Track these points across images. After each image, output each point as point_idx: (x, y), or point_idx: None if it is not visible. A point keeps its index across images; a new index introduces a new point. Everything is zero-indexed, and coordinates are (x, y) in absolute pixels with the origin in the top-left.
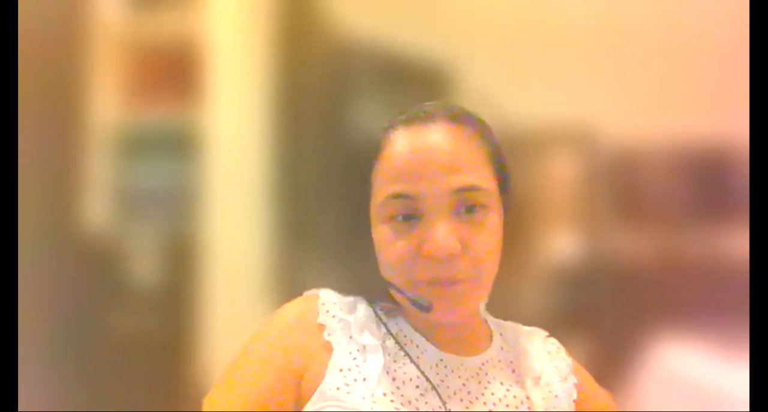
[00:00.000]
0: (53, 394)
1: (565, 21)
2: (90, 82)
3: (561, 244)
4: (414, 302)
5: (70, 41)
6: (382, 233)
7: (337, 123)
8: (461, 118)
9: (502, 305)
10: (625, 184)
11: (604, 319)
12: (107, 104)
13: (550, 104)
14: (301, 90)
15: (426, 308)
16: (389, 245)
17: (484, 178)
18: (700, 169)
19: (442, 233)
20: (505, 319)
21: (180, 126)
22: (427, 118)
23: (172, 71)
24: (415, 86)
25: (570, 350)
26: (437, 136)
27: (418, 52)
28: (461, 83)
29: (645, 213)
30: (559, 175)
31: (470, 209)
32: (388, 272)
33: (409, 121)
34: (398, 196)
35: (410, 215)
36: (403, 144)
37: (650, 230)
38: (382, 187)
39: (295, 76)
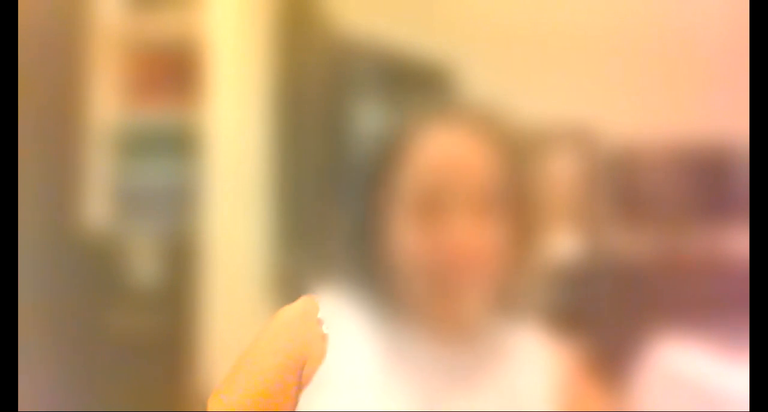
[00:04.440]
0: (53, 394)
1: (565, 21)
2: (90, 82)
3: (560, 243)
4: (416, 300)
5: (70, 41)
6: (398, 230)
7: (336, 123)
8: (483, 122)
9: (502, 305)
10: (625, 184)
11: (604, 318)
12: (107, 104)
13: (550, 104)
14: (301, 90)
15: (428, 306)
16: (406, 241)
17: (503, 181)
18: (700, 170)
19: (465, 234)
20: (504, 318)
21: (180, 125)
22: (453, 120)
23: (172, 71)
24: (415, 86)
25: (570, 350)
26: (466, 139)
27: (417, 51)
28: (461, 83)
29: (645, 213)
30: (558, 175)
31: (489, 209)
32: (401, 267)
33: (435, 122)
34: (422, 195)
35: (431, 213)
36: (429, 144)
37: (650, 229)
38: (405, 186)
39: (295, 75)
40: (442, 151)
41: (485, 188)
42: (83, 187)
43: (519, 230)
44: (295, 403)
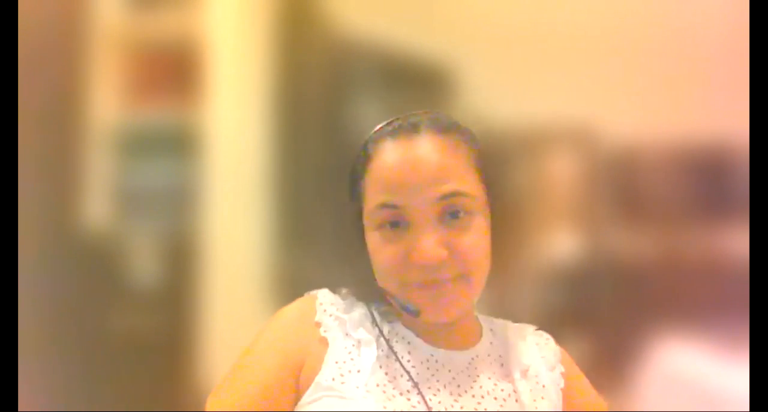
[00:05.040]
0: (53, 394)
1: (565, 21)
2: (90, 82)
3: (561, 243)
4: (403, 308)
5: (70, 41)
6: (373, 239)
7: (336, 123)
8: (445, 127)
9: (503, 305)
10: (626, 184)
11: (604, 318)
12: (107, 104)
13: (551, 104)
14: (301, 90)
15: (414, 313)
16: (380, 251)
17: (468, 184)
18: (700, 170)
19: (429, 241)
20: (504, 318)
21: (180, 125)
22: (412, 129)
23: (172, 71)
24: (415, 86)
25: (570, 350)
26: (423, 148)
27: (417, 52)
28: (461, 83)
29: (645, 213)
30: (559, 175)
31: (455, 214)
32: (380, 276)
33: (396, 133)
34: (387, 205)
35: (398, 223)
36: (390, 156)
37: (650, 229)
38: (372, 197)
39: (295, 75)
40: (398, 157)
41: (445, 192)
42: (83, 187)
43: (498, 231)
44: (294, 403)
